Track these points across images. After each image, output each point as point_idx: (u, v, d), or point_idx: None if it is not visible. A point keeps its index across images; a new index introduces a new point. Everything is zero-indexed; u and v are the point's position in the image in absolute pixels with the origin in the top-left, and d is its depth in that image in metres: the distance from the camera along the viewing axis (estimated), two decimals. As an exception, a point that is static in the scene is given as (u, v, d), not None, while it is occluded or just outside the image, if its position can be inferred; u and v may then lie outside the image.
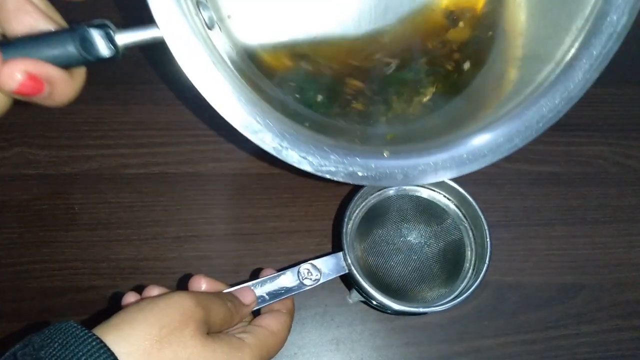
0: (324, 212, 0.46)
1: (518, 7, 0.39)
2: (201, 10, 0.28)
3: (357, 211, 0.40)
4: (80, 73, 0.25)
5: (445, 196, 0.42)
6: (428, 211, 0.42)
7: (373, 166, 0.33)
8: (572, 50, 0.33)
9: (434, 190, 0.42)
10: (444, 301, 0.36)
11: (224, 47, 0.34)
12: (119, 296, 0.31)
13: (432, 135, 0.36)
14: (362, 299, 0.40)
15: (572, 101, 0.33)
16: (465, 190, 0.40)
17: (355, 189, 0.39)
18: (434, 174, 0.34)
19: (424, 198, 0.42)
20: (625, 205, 0.50)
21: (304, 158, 0.30)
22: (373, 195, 0.41)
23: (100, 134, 0.48)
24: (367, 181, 0.33)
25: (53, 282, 0.42)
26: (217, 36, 0.31)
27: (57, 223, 0.44)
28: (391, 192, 0.42)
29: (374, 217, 0.41)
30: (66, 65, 0.24)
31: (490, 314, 0.44)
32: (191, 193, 0.46)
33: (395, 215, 0.42)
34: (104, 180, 0.46)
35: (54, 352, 0.23)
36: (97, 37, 0.24)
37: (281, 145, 0.30)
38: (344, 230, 0.37)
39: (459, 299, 0.36)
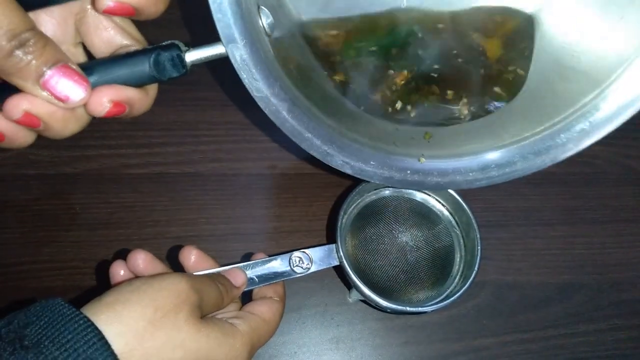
0: (323, 212, 0.47)
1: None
2: (262, 17, 0.29)
3: (352, 207, 0.41)
4: (153, 87, 0.28)
5: (439, 201, 0.42)
6: (421, 214, 0.42)
7: (409, 172, 0.35)
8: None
9: (429, 195, 0.42)
10: (429, 303, 0.37)
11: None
12: (106, 266, 0.31)
13: (465, 140, 0.37)
14: (362, 298, 0.40)
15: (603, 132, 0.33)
16: (463, 193, 0.40)
17: (353, 185, 0.39)
18: (464, 183, 0.36)
19: (418, 201, 0.42)
20: (624, 205, 0.50)
21: (346, 163, 0.33)
22: (370, 193, 0.42)
23: (101, 134, 0.48)
24: (400, 184, 0.35)
25: (54, 281, 0.42)
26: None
27: (58, 223, 0.44)
28: (387, 192, 0.42)
29: (368, 215, 0.42)
30: (140, 84, 0.26)
31: (489, 313, 0.44)
32: (191, 193, 0.46)
33: (389, 216, 0.42)
34: (105, 181, 0.46)
35: (39, 330, 0.22)
36: (169, 59, 0.25)
37: (327, 152, 0.32)
38: (339, 223, 0.38)
39: (442, 303, 0.36)
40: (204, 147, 0.48)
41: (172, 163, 0.47)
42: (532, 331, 0.44)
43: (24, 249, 0.43)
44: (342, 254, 0.36)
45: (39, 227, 0.44)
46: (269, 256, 0.35)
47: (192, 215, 0.45)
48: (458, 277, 0.39)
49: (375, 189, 0.42)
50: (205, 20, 0.26)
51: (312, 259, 0.36)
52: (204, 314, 0.28)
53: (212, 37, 0.26)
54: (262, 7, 0.29)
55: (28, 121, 0.24)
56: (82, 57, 0.27)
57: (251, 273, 0.34)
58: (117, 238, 0.44)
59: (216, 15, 0.25)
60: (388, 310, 0.36)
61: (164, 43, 0.26)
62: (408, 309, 0.36)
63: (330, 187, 0.47)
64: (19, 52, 0.22)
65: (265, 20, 0.29)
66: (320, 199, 0.47)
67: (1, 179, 0.45)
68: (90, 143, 0.47)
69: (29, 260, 0.43)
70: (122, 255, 0.31)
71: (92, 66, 0.25)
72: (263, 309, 0.32)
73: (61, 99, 0.23)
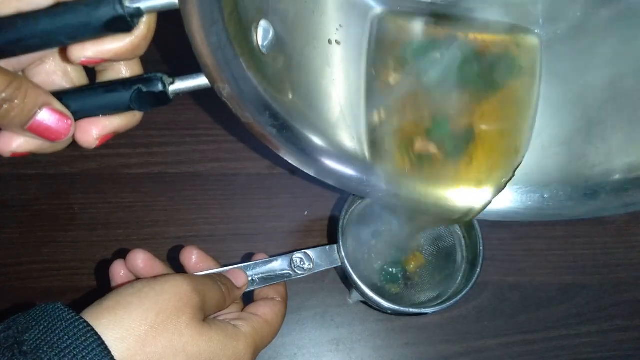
0: (323, 213, 0.46)
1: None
2: (258, 36, 0.28)
3: (354, 207, 0.40)
4: None
5: None
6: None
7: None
8: None
9: None
10: (431, 304, 0.36)
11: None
12: (105, 267, 0.31)
13: None
14: (362, 300, 0.40)
15: None
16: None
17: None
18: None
19: None
20: (626, 205, 0.50)
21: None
22: None
23: (100, 133, 0.47)
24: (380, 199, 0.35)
25: (52, 282, 0.42)
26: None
27: (56, 223, 0.44)
28: None
29: (368, 216, 0.41)
30: (125, 111, 0.26)
31: (491, 314, 0.44)
32: (191, 193, 0.46)
33: (389, 217, 0.42)
34: (104, 180, 0.46)
35: (38, 335, 0.22)
36: (151, 94, 0.25)
37: (315, 165, 0.33)
38: (340, 224, 0.38)
39: (445, 304, 0.36)
40: (203, 146, 0.48)
41: (171, 163, 0.47)
42: (534, 332, 0.43)
43: (22, 249, 0.43)
44: (343, 254, 0.36)
45: (37, 227, 0.44)
46: (270, 257, 0.35)
47: (192, 215, 0.45)
48: (460, 277, 0.39)
49: (376, 190, 0.41)
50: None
51: (314, 260, 0.36)
52: (206, 315, 0.28)
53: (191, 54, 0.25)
54: (262, 24, 0.28)
55: (16, 155, 0.24)
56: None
57: (252, 274, 0.34)
58: (116, 238, 0.44)
59: (202, 61, 0.24)
60: (389, 311, 0.36)
61: (146, 75, 0.25)
62: (410, 310, 0.35)
63: (331, 187, 0.47)
64: (1, 111, 0.21)
65: (262, 40, 0.28)
66: (320, 199, 0.47)
67: (0, 179, 0.45)
68: (89, 143, 0.47)
69: (28, 261, 0.43)
70: (121, 255, 0.31)
71: (73, 98, 0.25)
72: (265, 310, 0.32)
73: (47, 138, 0.24)
